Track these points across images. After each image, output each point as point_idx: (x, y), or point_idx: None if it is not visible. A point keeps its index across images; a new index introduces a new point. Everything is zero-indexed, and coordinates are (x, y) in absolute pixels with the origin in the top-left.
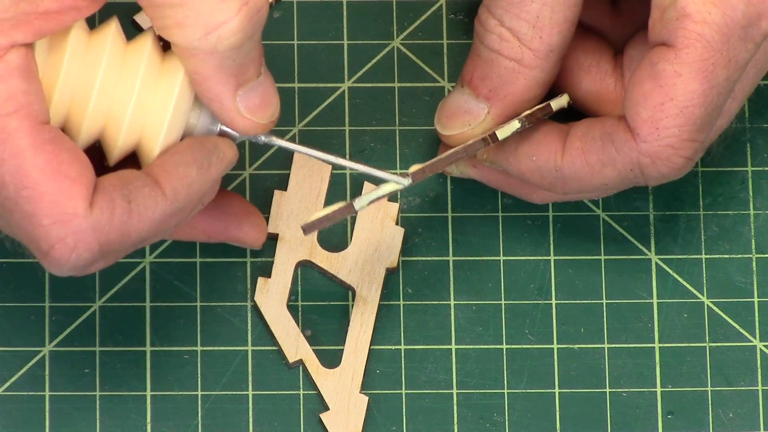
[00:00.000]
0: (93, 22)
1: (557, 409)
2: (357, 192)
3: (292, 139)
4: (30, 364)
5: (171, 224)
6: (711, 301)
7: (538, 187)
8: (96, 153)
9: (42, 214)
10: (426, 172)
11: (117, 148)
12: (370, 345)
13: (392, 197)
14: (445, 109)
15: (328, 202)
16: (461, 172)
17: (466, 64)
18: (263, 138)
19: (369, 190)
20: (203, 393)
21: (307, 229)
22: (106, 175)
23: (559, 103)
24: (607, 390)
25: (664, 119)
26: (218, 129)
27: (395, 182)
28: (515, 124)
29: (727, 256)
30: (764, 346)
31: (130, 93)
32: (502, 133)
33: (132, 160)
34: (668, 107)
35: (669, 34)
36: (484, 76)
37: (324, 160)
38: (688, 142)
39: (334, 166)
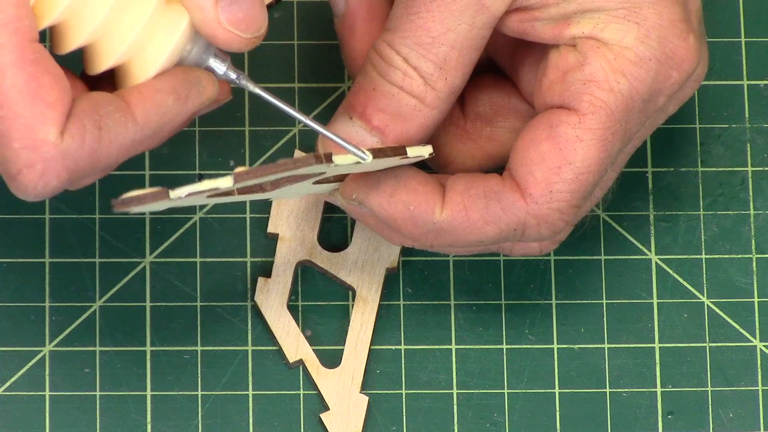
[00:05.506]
0: None
1: (557, 409)
2: None
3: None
4: (30, 364)
5: (139, 150)
6: (711, 301)
7: (405, 237)
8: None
9: (14, 136)
10: (249, 175)
11: (110, 61)
12: (370, 345)
13: None
14: (333, 142)
15: (327, 201)
16: (338, 201)
17: (355, 95)
18: (238, 79)
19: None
20: (203, 393)
21: (117, 204)
22: (79, 98)
23: (418, 151)
24: (607, 390)
25: (558, 183)
26: (206, 64)
27: (221, 181)
28: (366, 157)
29: (727, 256)
30: (764, 346)
31: (144, 11)
32: (342, 159)
33: (107, 77)
34: (565, 171)
35: (572, 98)
36: (381, 110)
37: (286, 113)
38: (575, 207)
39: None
